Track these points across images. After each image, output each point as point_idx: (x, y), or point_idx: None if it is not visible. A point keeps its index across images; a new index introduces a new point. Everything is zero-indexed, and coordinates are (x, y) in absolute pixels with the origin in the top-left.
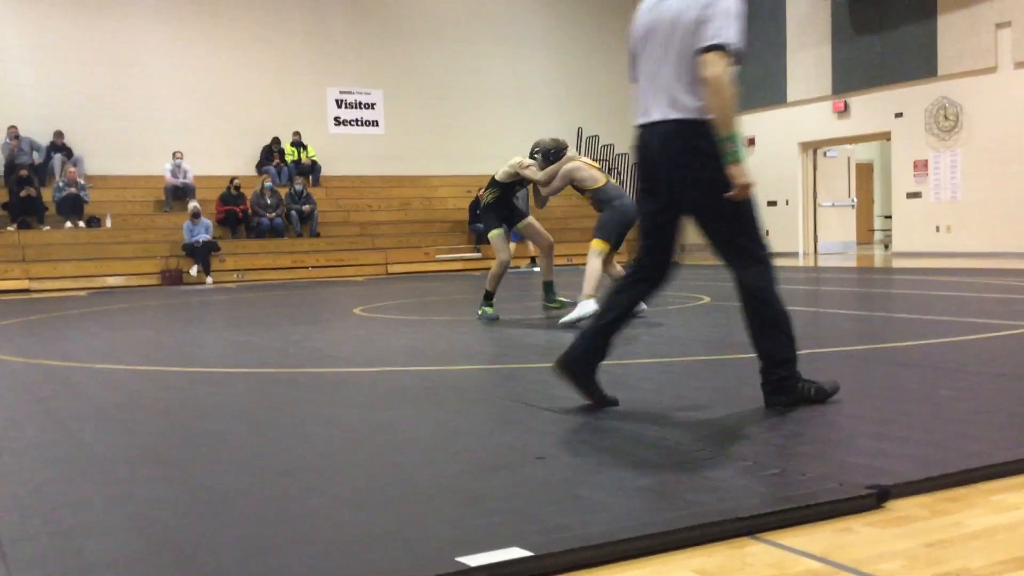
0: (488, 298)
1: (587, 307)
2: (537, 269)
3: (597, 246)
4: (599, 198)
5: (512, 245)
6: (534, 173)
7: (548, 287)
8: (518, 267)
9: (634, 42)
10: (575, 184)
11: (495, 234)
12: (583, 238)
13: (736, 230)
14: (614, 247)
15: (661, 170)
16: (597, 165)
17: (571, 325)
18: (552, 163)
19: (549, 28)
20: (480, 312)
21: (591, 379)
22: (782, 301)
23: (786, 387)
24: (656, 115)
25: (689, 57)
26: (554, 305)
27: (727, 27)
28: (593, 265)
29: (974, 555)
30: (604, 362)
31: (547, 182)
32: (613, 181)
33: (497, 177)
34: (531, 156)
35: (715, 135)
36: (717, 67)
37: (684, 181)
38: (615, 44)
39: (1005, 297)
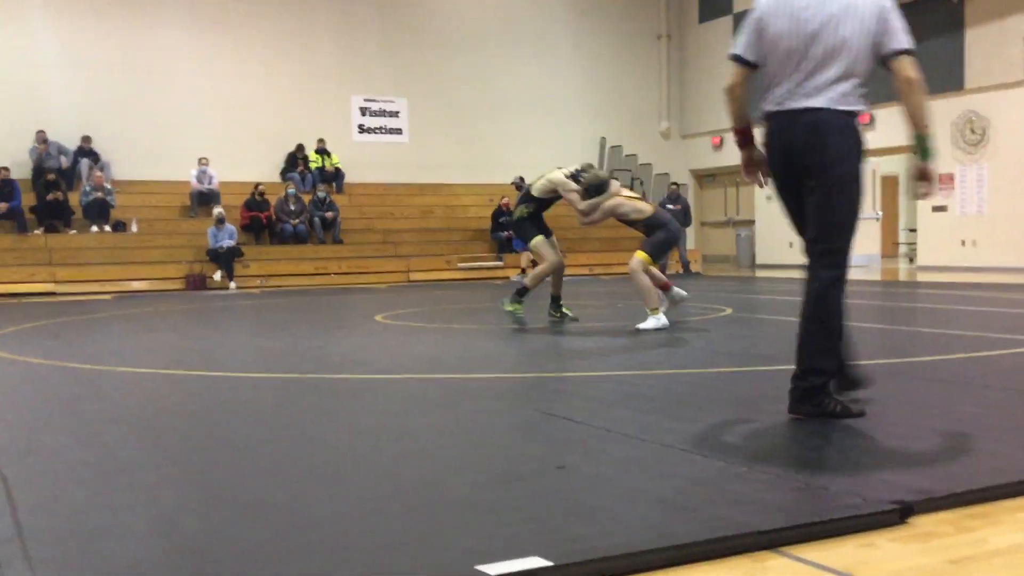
0: (521, 294)
1: (659, 319)
2: (516, 279)
3: (643, 258)
4: (650, 224)
5: (524, 255)
6: (577, 201)
7: (555, 300)
8: (508, 277)
9: (773, 27)
10: (618, 217)
11: (539, 240)
12: (602, 248)
13: (840, 232)
14: (654, 262)
15: (801, 155)
16: (637, 195)
17: (647, 331)
18: (593, 196)
19: (575, 38)
20: (511, 307)
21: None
22: (845, 315)
23: (814, 397)
24: (805, 102)
25: (856, 52)
26: (556, 316)
27: (906, 32)
28: (643, 281)
29: (998, 572)
30: (624, 372)
31: (588, 212)
32: (657, 207)
33: (534, 191)
34: (575, 177)
35: (861, 129)
36: (913, 69)
37: (820, 167)
38: (640, 55)
39: None
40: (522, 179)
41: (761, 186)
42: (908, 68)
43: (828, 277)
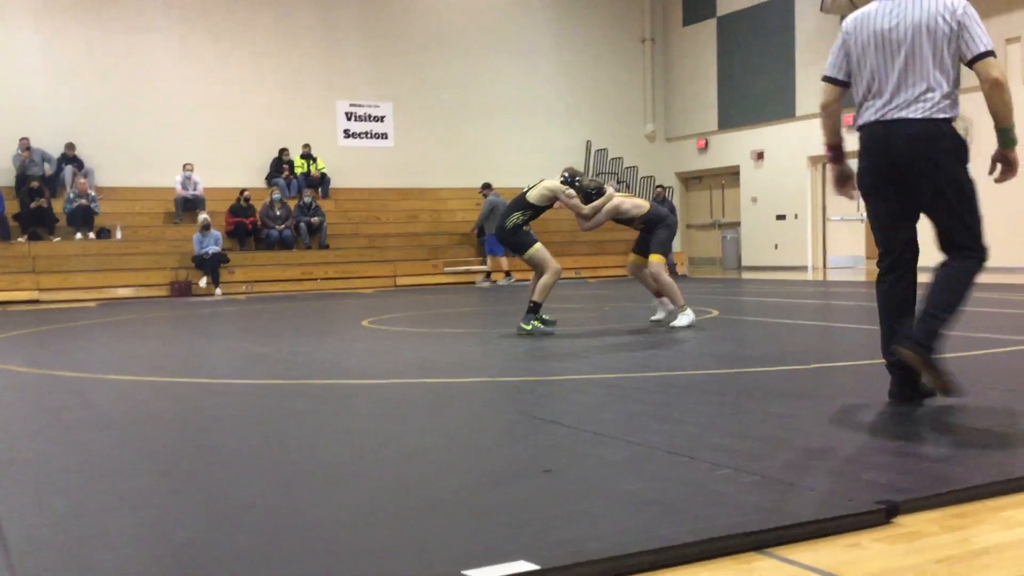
0: (534, 311)
1: (689, 315)
2: (504, 283)
3: (660, 260)
4: (649, 219)
5: (503, 260)
6: (581, 207)
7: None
8: (496, 281)
9: (859, 45)
10: (617, 216)
11: (536, 250)
12: (589, 251)
13: (971, 227)
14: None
15: (906, 165)
16: (630, 195)
17: (682, 328)
18: (592, 200)
19: (559, 42)
20: (529, 327)
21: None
22: (966, 301)
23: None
24: (901, 114)
25: (941, 62)
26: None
27: (985, 34)
28: (666, 280)
29: (983, 571)
30: (611, 375)
31: (591, 216)
32: (652, 203)
33: (531, 198)
34: (563, 181)
35: (958, 133)
36: (998, 69)
37: (931, 177)
38: (625, 58)
39: (1015, 312)
40: (488, 185)
41: (851, 199)
42: (992, 69)
43: (967, 267)
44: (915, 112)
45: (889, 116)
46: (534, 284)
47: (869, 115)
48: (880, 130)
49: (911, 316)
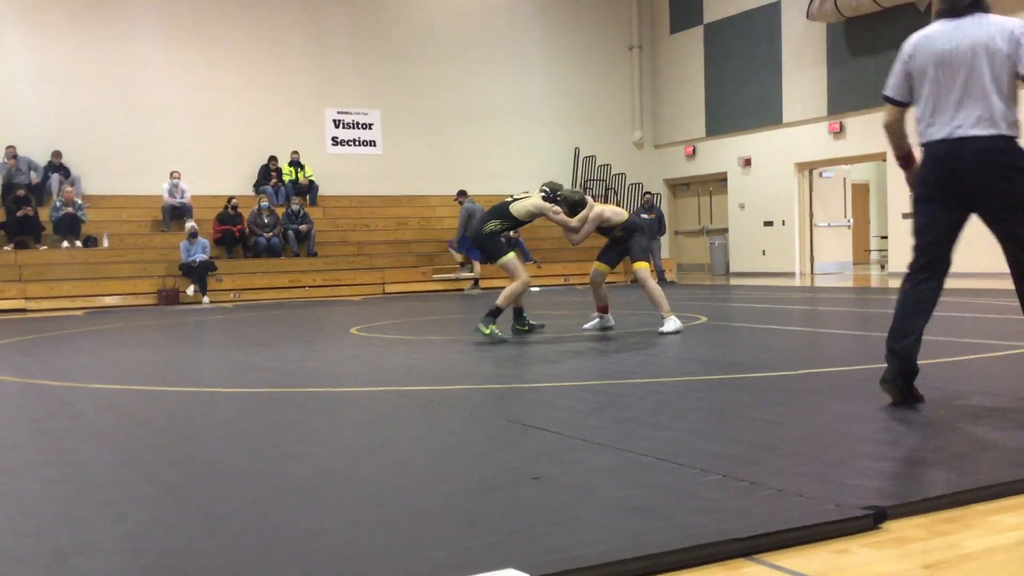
0: (495, 315)
1: (674, 321)
2: (476, 292)
3: (645, 267)
4: (628, 226)
5: (477, 266)
6: (567, 221)
7: (518, 313)
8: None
9: (920, 66)
10: (601, 224)
11: (510, 258)
12: (577, 257)
13: None
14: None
15: (972, 181)
16: (608, 203)
17: (669, 334)
18: (576, 210)
19: (547, 49)
20: (488, 330)
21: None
22: None
23: None
24: (967, 131)
25: (999, 81)
26: (524, 328)
27: None
28: (652, 286)
29: None
30: (599, 382)
31: (579, 228)
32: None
33: (515, 212)
34: (545, 198)
35: (1021, 148)
36: None
37: (998, 191)
38: (612, 65)
39: (1002, 318)
40: (464, 192)
41: None
42: None
43: None
44: (980, 130)
45: (955, 135)
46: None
47: (934, 133)
48: (947, 148)
49: (924, 320)
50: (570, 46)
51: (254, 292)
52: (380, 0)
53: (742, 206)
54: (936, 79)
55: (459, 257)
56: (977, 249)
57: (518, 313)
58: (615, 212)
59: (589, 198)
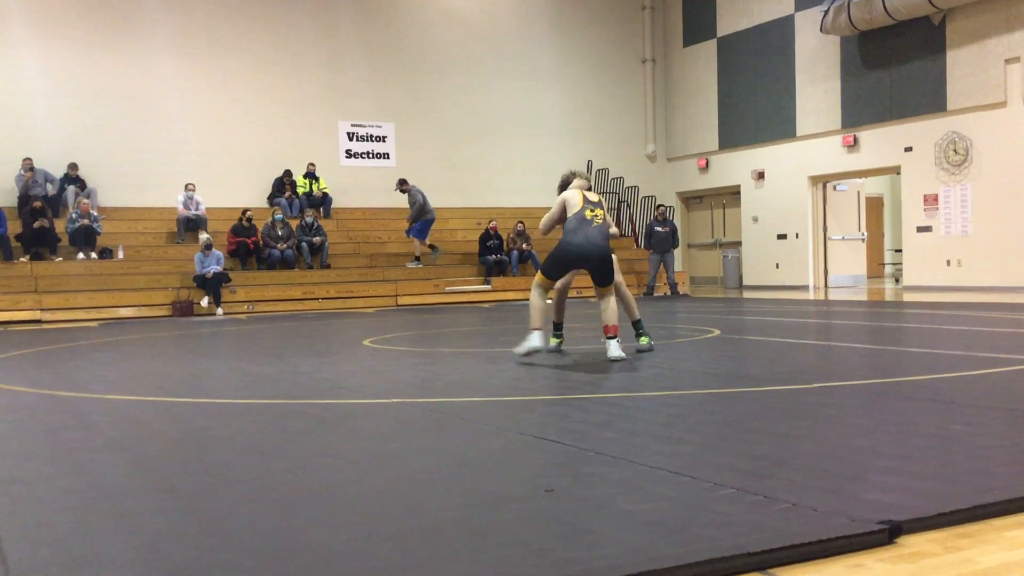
0: (640, 325)
1: (533, 340)
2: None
3: (537, 278)
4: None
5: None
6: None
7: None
8: (489, 302)
9: None
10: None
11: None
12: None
13: None
14: (552, 280)
15: None
16: (596, 198)
17: (524, 355)
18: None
19: (561, 62)
20: (646, 341)
21: None
22: None
23: None
24: None
25: None
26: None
27: None
28: (532, 297)
29: None
30: (613, 395)
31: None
32: (594, 214)
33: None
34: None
35: None
36: None
37: None
38: (626, 78)
39: (1016, 332)
40: (404, 180)
41: None
42: None
43: None
44: None
45: None
46: (558, 302)
47: None
48: None
49: None
50: (583, 59)
51: (268, 304)
52: (394, 13)
53: (755, 219)
54: None
55: (422, 247)
56: (995, 264)
57: (558, 326)
58: (573, 203)
59: (580, 180)
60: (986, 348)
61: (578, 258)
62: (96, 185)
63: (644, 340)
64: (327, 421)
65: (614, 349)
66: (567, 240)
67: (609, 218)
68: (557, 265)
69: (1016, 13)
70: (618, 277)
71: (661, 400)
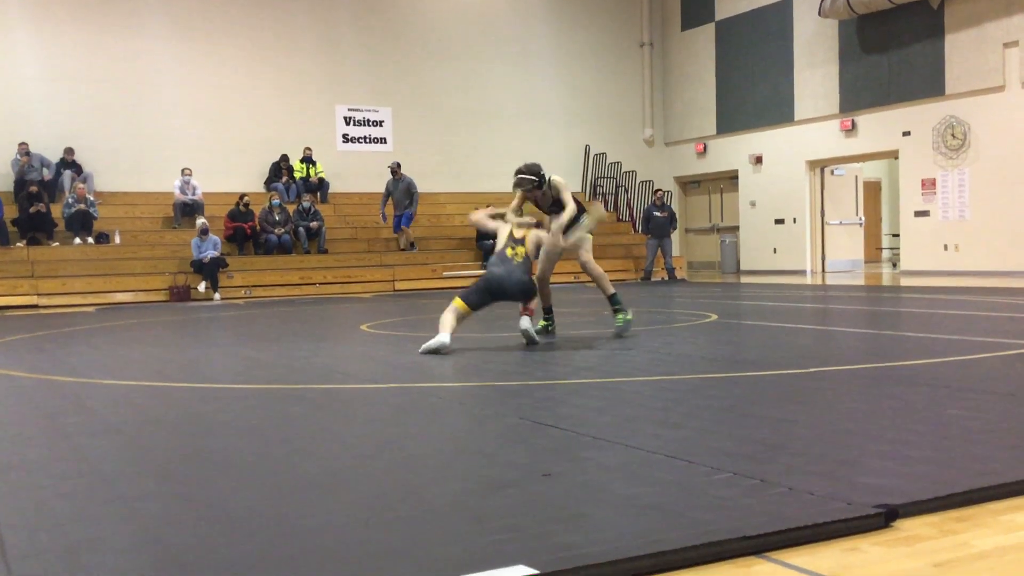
0: (617, 301)
1: (441, 339)
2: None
3: (455, 303)
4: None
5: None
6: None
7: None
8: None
9: None
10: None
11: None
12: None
13: None
14: (471, 307)
15: None
16: (521, 234)
17: (429, 352)
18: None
19: (558, 47)
20: (629, 317)
21: None
22: None
23: None
24: None
25: None
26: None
27: None
28: (444, 316)
29: (981, 575)
30: (610, 379)
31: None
32: (515, 252)
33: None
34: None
35: None
36: None
37: None
38: (623, 63)
39: (1013, 316)
40: (398, 164)
41: None
42: None
43: None
44: None
45: None
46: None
47: None
48: None
49: None
50: (581, 43)
51: (265, 289)
52: None
53: (753, 204)
54: None
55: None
56: (992, 248)
57: (547, 310)
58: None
59: (557, 178)
60: (983, 333)
61: (498, 290)
62: (92, 170)
63: (620, 318)
64: (325, 406)
65: (524, 323)
66: (490, 271)
67: (531, 248)
68: (479, 295)
69: None
70: (585, 256)
71: (658, 385)
